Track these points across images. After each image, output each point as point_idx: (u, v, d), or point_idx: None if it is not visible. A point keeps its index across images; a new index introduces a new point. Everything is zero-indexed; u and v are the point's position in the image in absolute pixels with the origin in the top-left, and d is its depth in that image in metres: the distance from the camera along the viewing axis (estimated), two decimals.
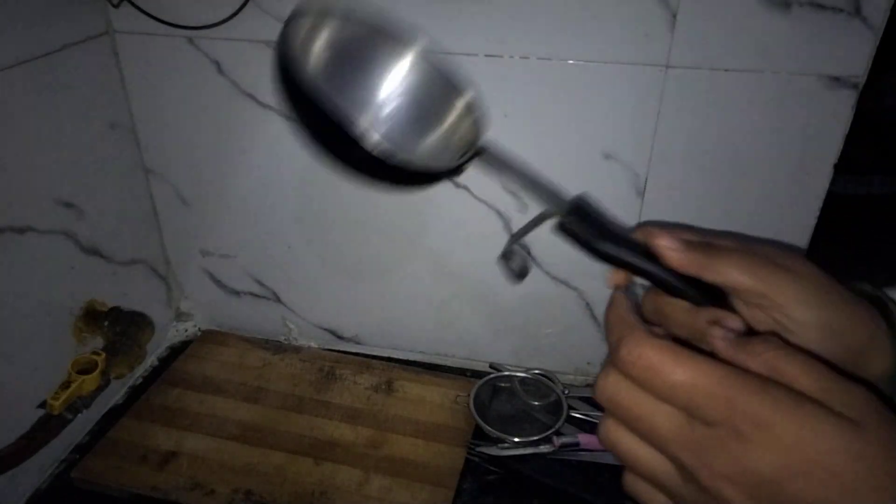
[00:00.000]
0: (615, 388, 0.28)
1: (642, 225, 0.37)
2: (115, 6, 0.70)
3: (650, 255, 0.34)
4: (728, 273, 0.33)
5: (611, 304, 0.32)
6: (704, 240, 0.35)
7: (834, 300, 0.32)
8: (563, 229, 0.36)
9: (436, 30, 0.67)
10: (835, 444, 0.24)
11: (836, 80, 0.61)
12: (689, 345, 0.28)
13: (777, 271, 0.32)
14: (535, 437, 0.72)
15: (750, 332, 0.32)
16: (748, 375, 0.26)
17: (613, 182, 0.71)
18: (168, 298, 0.92)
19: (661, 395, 0.27)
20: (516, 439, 0.72)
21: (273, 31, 0.70)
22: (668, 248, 0.34)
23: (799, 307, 0.31)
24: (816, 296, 0.32)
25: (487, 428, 0.74)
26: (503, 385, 0.81)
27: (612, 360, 0.29)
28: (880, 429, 0.25)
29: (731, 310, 0.33)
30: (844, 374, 0.27)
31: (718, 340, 0.29)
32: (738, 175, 0.68)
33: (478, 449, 0.73)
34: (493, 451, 0.72)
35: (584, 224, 0.36)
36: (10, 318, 0.65)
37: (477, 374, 0.84)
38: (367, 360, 0.87)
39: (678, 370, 0.26)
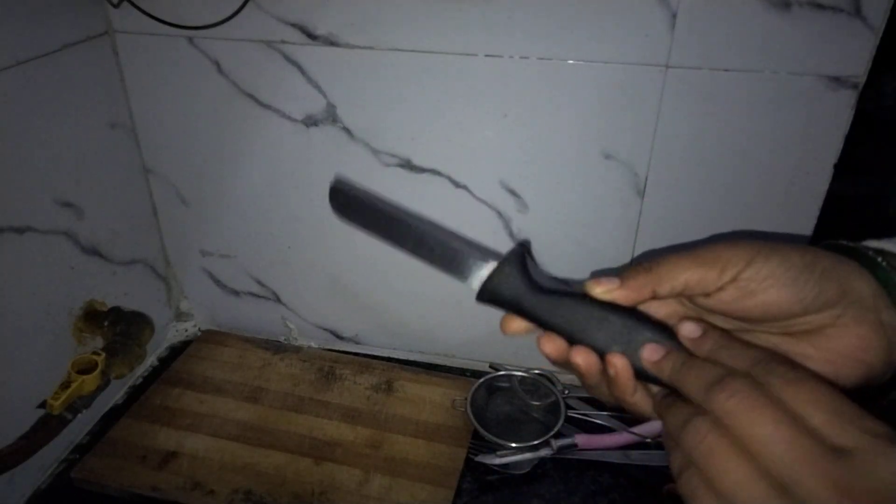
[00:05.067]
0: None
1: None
2: (115, 6, 0.70)
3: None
4: (676, 272, 0.33)
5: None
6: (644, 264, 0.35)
7: (795, 274, 0.32)
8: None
9: (436, 29, 0.67)
10: None
11: (836, 80, 0.61)
12: None
13: (723, 258, 0.32)
14: (534, 443, 0.72)
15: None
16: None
17: (613, 182, 0.71)
18: (168, 298, 0.92)
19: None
20: (514, 445, 0.72)
21: (273, 31, 0.71)
22: (606, 289, 0.34)
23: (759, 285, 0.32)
24: (777, 273, 0.32)
25: (485, 433, 0.73)
26: (502, 385, 0.81)
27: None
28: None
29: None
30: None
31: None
32: (738, 175, 0.68)
33: (476, 459, 0.72)
34: (492, 459, 0.71)
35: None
36: (10, 319, 0.65)
37: (476, 374, 0.84)
38: (367, 360, 0.87)
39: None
